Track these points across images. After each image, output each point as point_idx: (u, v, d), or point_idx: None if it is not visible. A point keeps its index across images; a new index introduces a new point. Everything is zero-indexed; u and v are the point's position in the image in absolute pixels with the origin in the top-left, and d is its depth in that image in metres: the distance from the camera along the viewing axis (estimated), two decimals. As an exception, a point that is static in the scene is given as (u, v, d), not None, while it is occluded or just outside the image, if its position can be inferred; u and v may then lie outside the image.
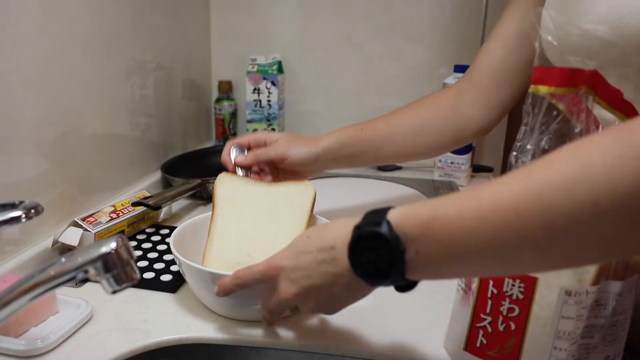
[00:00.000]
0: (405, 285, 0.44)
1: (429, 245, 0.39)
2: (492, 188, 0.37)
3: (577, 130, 0.45)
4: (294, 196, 0.71)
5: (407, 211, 0.41)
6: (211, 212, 0.69)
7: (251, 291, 0.55)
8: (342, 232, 0.45)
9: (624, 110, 0.45)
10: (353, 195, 1.01)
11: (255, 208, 0.70)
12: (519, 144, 0.47)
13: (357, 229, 0.43)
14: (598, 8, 0.51)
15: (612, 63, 0.51)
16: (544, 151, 0.46)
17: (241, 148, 0.77)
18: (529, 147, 0.46)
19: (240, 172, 0.75)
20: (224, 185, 0.71)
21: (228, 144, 0.77)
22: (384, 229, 0.40)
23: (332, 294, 0.48)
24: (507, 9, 0.73)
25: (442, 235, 0.38)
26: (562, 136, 0.45)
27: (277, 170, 0.77)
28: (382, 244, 0.40)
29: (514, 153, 0.47)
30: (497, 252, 0.36)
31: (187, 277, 0.61)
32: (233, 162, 0.75)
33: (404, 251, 0.39)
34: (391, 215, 0.41)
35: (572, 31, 0.53)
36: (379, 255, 0.41)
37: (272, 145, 0.76)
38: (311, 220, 0.70)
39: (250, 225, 0.68)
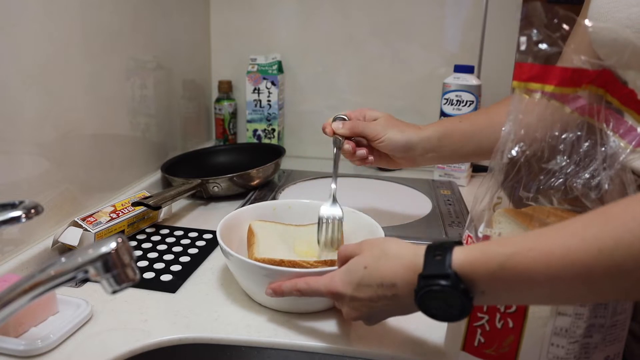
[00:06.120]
0: None
1: (496, 291, 0.40)
2: (562, 238, 0.37)
3: (579, 133, 0.45)
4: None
5: (474, 259, 0.41)
6: (248, 243, 0.72)
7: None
8: (400, 271, 0.45)
9: (638, 109, 0.45)
10: (353, 195, 1.01)
11: (292, 228, 0.75)
12: (503, 141, 0.46)
13: (423, 279, 0.43)
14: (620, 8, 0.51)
15: (628, 63, 0.50)
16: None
17: (343, 118, 0.78)
18: (515, 149, 0.46)
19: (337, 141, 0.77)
20: (258, 226, 0.73)
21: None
22: (452, 282, 0.40)
23: (388, 315, 0.52)
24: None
25: (510, 283, 0.39)
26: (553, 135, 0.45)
27: (372, 149, 0.77)
28: (450, 296, 0.41)
29: (497, 157, 0.47)
30: (559, 297, 0.40)
31: (237, 272, 0.64)
32: (331, 127, 0.77)
33: (473, 298, 0.41)
34: (456, 264, 0.41)
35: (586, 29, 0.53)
36: (448, 304, 0.41)
37: (370, 122, 0.76)
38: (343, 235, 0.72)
39: (288, 237, 0.72)
